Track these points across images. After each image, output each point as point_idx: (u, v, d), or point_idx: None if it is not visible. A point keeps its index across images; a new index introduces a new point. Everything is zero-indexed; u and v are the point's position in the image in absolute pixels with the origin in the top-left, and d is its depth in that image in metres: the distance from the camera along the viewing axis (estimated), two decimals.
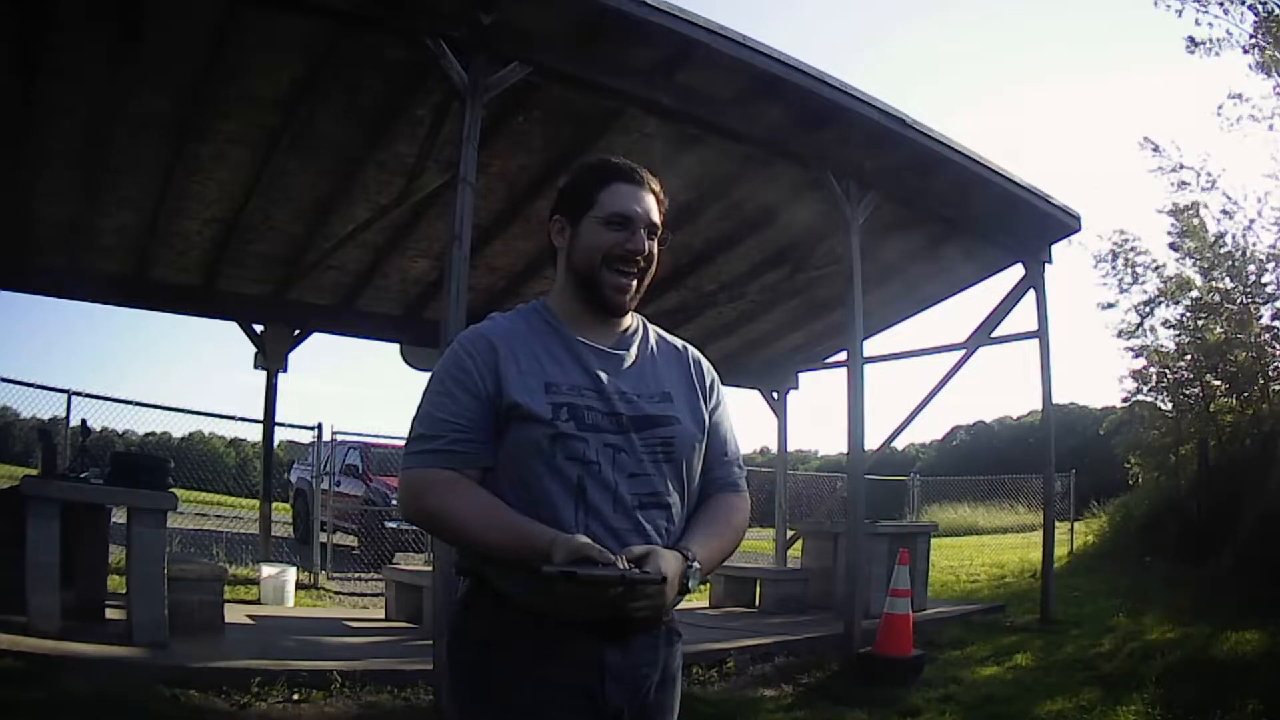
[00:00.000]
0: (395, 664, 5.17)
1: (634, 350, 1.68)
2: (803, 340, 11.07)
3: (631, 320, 1.73)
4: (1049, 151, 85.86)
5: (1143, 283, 12.31)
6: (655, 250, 1.67)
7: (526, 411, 1.53)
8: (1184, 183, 11.82)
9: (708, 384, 1.75)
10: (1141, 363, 12.47)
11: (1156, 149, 11.95)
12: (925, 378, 13.09)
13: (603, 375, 1.60)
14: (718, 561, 1.63)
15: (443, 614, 4.64)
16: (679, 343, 1.79)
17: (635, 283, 1.65)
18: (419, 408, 1.60)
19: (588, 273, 1.63)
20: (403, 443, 1.64)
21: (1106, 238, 12.56)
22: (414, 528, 10.47)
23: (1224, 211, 11.68)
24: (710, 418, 1.71)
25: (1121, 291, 12.42)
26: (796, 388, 11.80)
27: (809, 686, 5.76)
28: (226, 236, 7.85)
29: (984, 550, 14.81)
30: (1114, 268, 12.39)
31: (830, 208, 7.04)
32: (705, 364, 1.78)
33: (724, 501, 1.70)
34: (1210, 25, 11.14)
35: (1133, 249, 12.35)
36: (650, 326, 1.76)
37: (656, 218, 1.67)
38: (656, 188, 1.69)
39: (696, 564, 1.52)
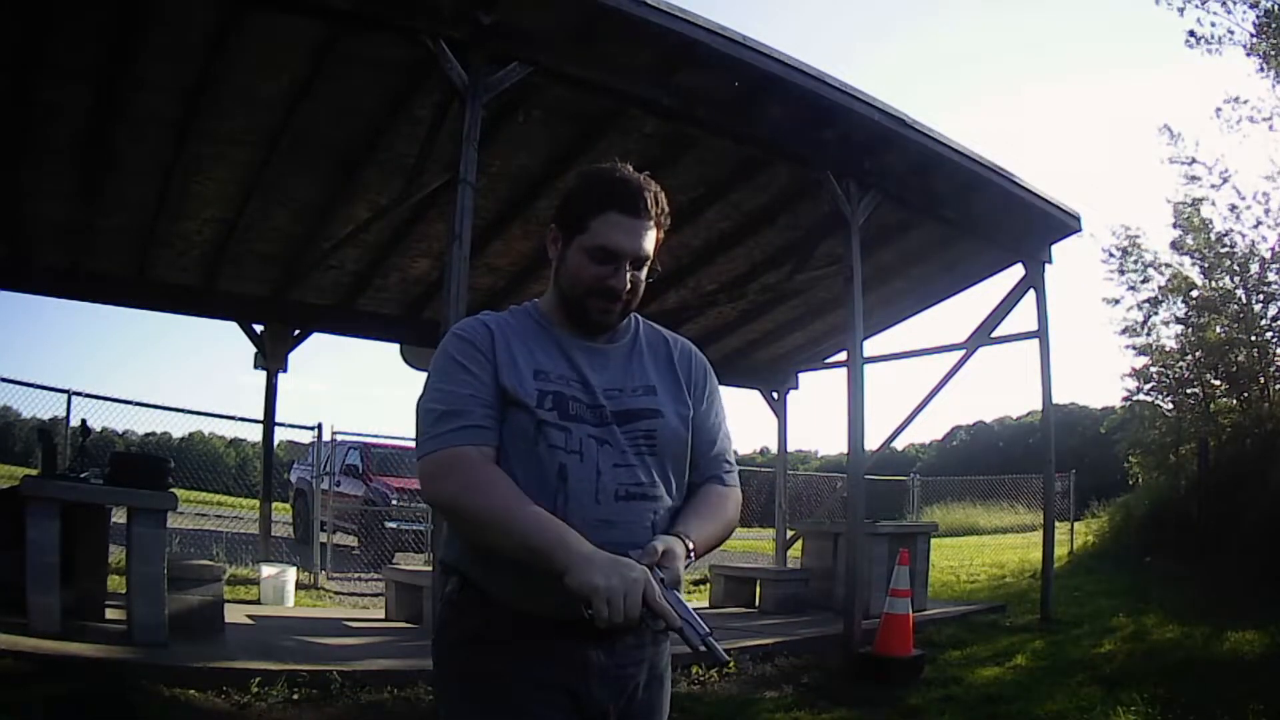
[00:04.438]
0: (395, 664, 5.17)
1: (620, 344, 1.69)
2: (803, 340, 11.07)
3: None
4: (1049, 151, 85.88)
5: (1148, 281, 12.34)
6: (641, 279, 1.64)
7: (514, 397, 1.54)
8: (1195, 177, 11.84)
9: (695, 376, 1.74)
10: (1144, 361, 12.48)
11: (1174, 137, 11.97)
12: (925, 378, 13.12)
13: (587, 369, 1.62)
14: (710, 548, 1.62)
15: None
16: (669, 335, 1.78)
17: (621, 306, 1.64)
18: (429, 390, 1.58)
19: (572, 298, 1.63)
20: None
21: (1115, 232, 12.59)
22: (414, 528, 10.51)
23: (1231, 208, 11.70)
24: (696, 409, 1.70)
25: (1129, 289, 12.44)
26: (796, 388, 11.82)
27: (809, 686, 5.75)
28: (226, 236, 7.85)
29: (984, 550, 14.79)
30: (1122, 266, 12.41)
31: (830, 208, 7.04)
32: (696, 357, 1.77)
33: (713, 491, 1.69)
34: (1212, 24, 11.18)
35: (1138, 244, 12.37)
36: (641, 320, 1.75)
37: (649, 249, 1.62)
38: (658, 209, 1.62)
39: (692, 545, 1.53)
